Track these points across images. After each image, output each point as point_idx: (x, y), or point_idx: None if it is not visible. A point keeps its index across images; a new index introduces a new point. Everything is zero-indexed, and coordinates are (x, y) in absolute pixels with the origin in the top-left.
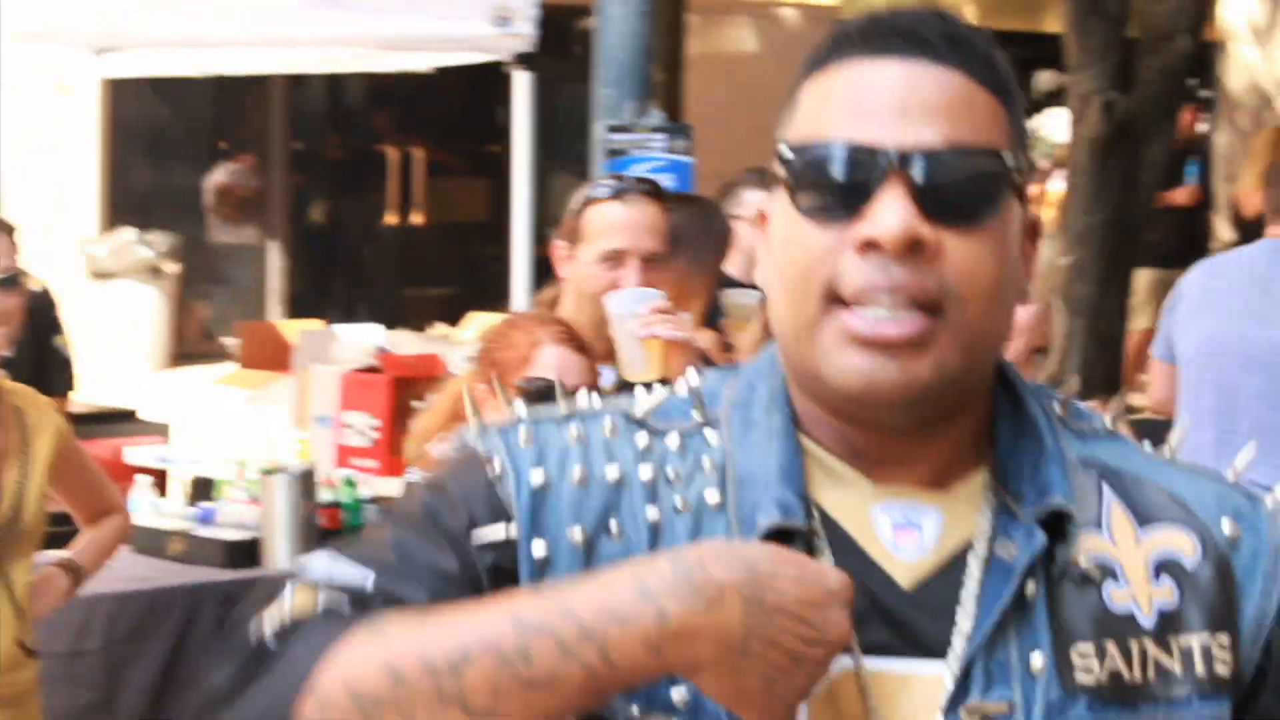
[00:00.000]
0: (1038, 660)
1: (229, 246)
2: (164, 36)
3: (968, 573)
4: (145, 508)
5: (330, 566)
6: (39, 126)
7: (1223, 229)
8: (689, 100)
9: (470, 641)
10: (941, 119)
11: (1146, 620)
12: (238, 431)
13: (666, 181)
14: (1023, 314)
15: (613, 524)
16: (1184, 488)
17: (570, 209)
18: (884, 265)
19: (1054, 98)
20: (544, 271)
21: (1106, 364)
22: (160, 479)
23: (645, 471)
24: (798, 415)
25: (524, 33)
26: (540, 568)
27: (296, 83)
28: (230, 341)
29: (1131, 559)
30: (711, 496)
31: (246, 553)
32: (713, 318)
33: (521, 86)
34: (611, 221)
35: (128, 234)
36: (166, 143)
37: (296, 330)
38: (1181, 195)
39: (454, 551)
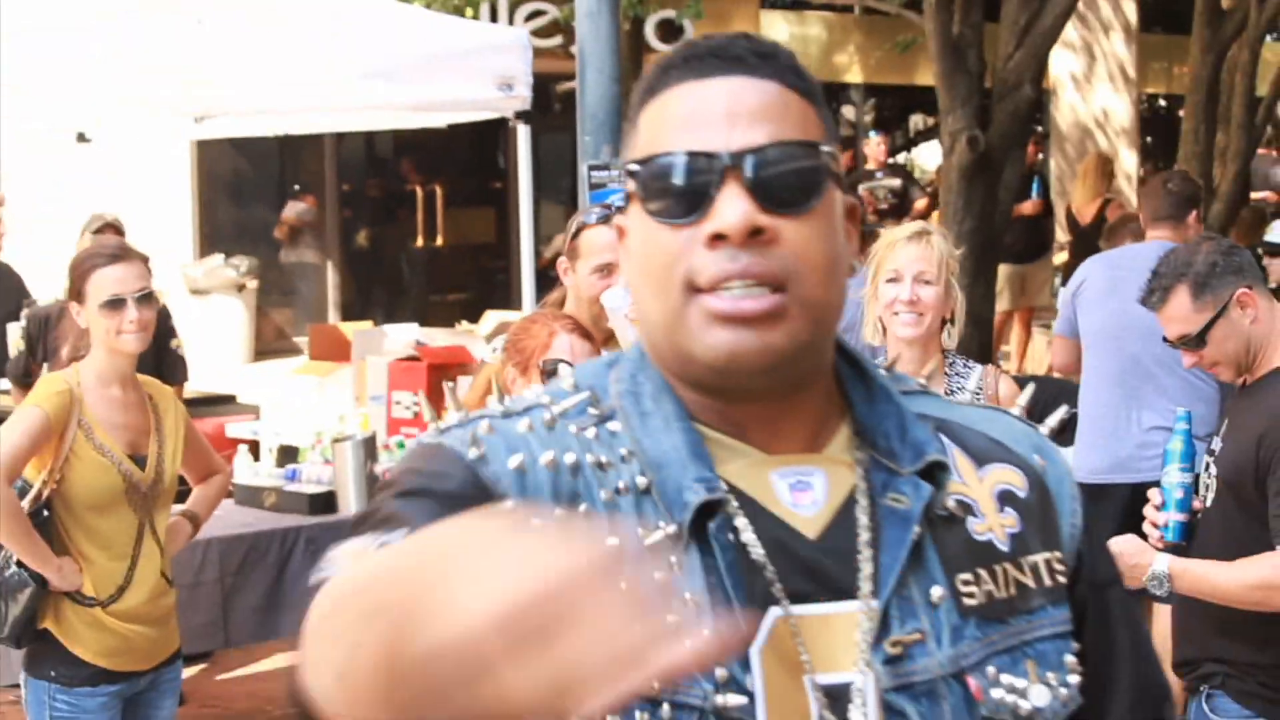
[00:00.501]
0: (937, 592)
1: (295, 266)
2: (244, 105)
3: (858, 523)
4: (244, 470)
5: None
6: (146, 176)
7: (1059, 233)
8: None
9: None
10: (763, 122)
11: (1003, 546)
12: (311, 409)
13: None
14: (930, 293)
15: (583, 505)
16: (997, 430)
17: (568, 232)
18: (732, 254)
19: (925, 135)
20: (539, 278)
21: (979, 338)
22: (254, 448)
23: (589, 458)
24: (684, 400)
25: (523, 94)
26: None
27: (342, 139)
28: (300, 340)
29: (981, 494)
30: (640, 481)
31: (325, 503)
32: None
33: (523, 137)
34: (601, 242)
35: (217, 259)
36: (243, 188)
37: (353, 330)
38: (1029, 207)
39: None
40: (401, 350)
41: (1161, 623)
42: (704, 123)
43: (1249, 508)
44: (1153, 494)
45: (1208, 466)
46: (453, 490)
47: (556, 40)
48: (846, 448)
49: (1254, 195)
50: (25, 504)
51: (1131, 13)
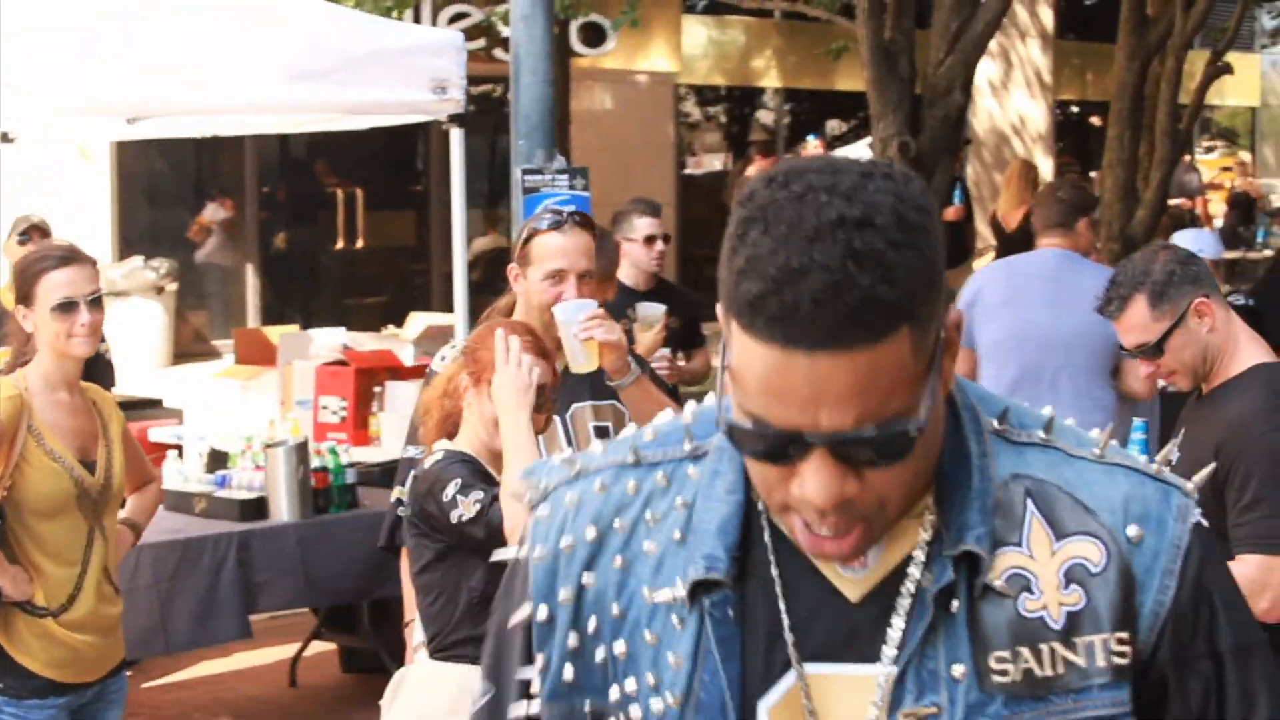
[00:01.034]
0: (959, 670)
1: (213, 268)
2: (174, 106)
3: (904, 589)
4: (174, 475)
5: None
6: (64, 178)
7: (982, 239)
8: (571, 146)
9: None
10: (851, 402)
11: (1055, 624)
12: (235, 414)
13: None
14: None
15: (588, 576)
16: (1099, 493)
17: (519, 238)
18: (820, 512)
19: (843, 139)
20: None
21: None
22: (179, 453)
23: (620, 524)
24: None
25: (456, 98)
26: (545, 626)
27: (261, 141)
28: (219, 343)
29: (1046, 570)
30: (675, 535)
31: (256, 508)
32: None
33: (456, 141)
34: (552, 247)
35: (136, 261)
36: (162, 189)
37: (278, 334)
38: (951, 213)
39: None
40: (327, 354)
41: None
42: (792, 400)
43: (1207, 518)
44: None
45: None
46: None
47: (479, 43)
48: (922, 512)
49: (1170, 202)
50: None
51: (1048, 19)
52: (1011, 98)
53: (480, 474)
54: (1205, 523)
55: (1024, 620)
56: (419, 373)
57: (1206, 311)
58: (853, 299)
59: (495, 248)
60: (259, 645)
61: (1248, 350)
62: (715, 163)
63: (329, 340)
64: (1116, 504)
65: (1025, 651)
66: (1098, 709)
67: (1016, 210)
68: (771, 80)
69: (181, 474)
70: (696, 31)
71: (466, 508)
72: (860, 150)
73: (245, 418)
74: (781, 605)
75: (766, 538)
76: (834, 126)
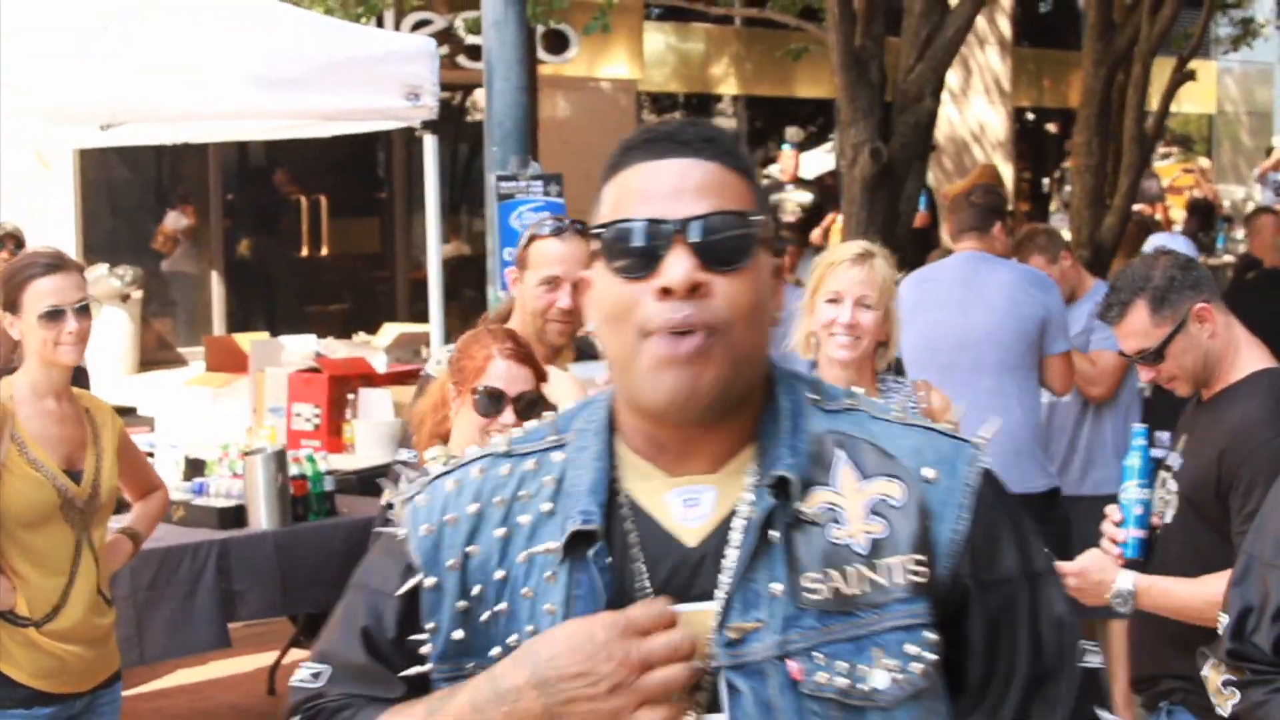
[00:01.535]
0: (777, 588)
1: (177, 276)
2: (153, 113)
3: (733, 529)
4: None
5: (303, 677)
6: (25, 185)
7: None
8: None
9: None
10: (705, 196)
11: (861, 549)
12: (207, 421)
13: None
14: (869, 317)
15: (471, 547)
16: (897, 444)
17: (519, 243)
18: (676, 305)
19: (802, 146)
20: (419, 290)
21: None
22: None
23: (498, 499)
24: (623, 428)
25: (430, 104)
26: (434, 592)
27: (224, 147)
28: (184, 350)
29: (853, 504)
30: (545, 507)
31: (235, 516)
32: None
33: (430, 147)
34: (550, 254)
35: (101, 268)
36: (125, 196)
37: (249, 341)
38: (920, 219)
39: (383, 610)
40: (300, 362)
41: (1116, 641)
42: (657, 195)
43: (1211, 523)
44: (1111, 510)
45: (1164, 482)
46: (377, 587)
47: (442, 50)
48: (744, 466)
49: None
50: None
51: (1005, 27)
52: (971, 105)
53: None
54: (994, 470)
55: (833, 546)
56: (392, 379)
57: (1207, 317)
58: (711, 134)
59: (458, 255)
60: (237, 653)
61: (1248, 355)
62: None
63: (301, 347)
64: (914, 451)
65: (834, 573)
66: (897, 619)
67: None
68: (731, 87)
69: None
70: (657, 39)
71: None
72: (822, 156)
73: (217, 425)
74: (639, 555)
75: (623, 499)
76: (794, 133)
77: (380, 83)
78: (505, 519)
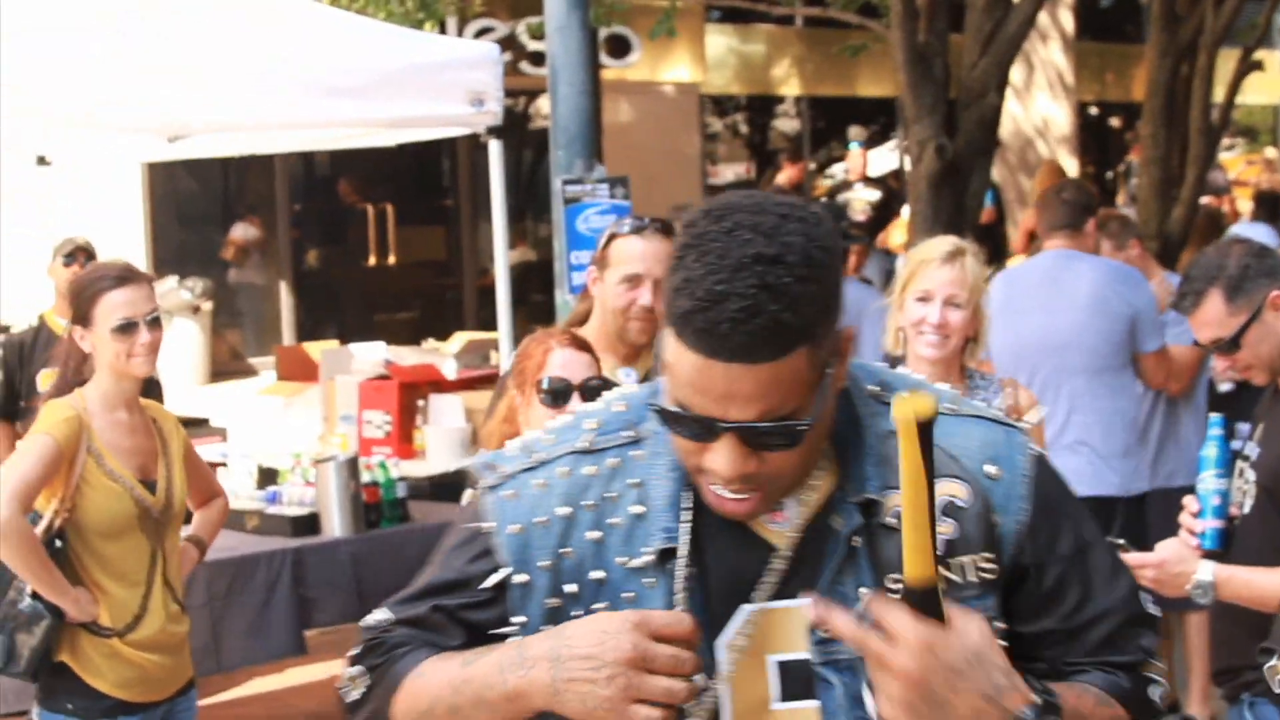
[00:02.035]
0: (864, 592)
1: (246, 287)
2: (217, 124)
3: (818, 534)
4: None
5: (381, 616)
6: (100, 199)
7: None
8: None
9: (440, 695)
10: (755, 403)
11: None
12: (278, 430)
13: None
14: (958, 316)
15: (565, 549)
16: (959, 442)
17: (599, 242)
18: (726, 480)
19: (865, 145)
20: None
21: None
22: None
23: (588, 503)
24: None
25: (494, 110)
26: (523, 589)
27: (290, 158)
28: (255, 360)
29: None
30: (636, 510)
31: (308, 524)
32: None
33: (495, 153)
34: (631, 252)
35: (170, 281)
36: (194, 209)
37: (319, 350)
38: (986, 216)
39: (463, 595)
40: (370, 369)
41: (1196, 634)
42: (710, 394)
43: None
44: (1188, 501)
45: (1242, 473)
46: (459, 570)
47: (506, 57)
48: (824, 475)
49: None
50: (37, 534)
51: (1068, 21)
52: (1035, 100)
53: None
54: (1044, 452)
55: None
56: (462, 385)
57: None
58: (762, 323)
59: (524, 261)
60: (313, 660)
61: None
62: (739, 171)
63: (371, 355)
64: (974, 449)
65: None
66: None
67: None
68: (793, 88)
69: (231, 491)
70: (719, 41)
71: None
72: (888, 155)
73: (289, 434)
74: (730, 559)
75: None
76: (857, 133)
77: (444, 90)
78: (597, 522)
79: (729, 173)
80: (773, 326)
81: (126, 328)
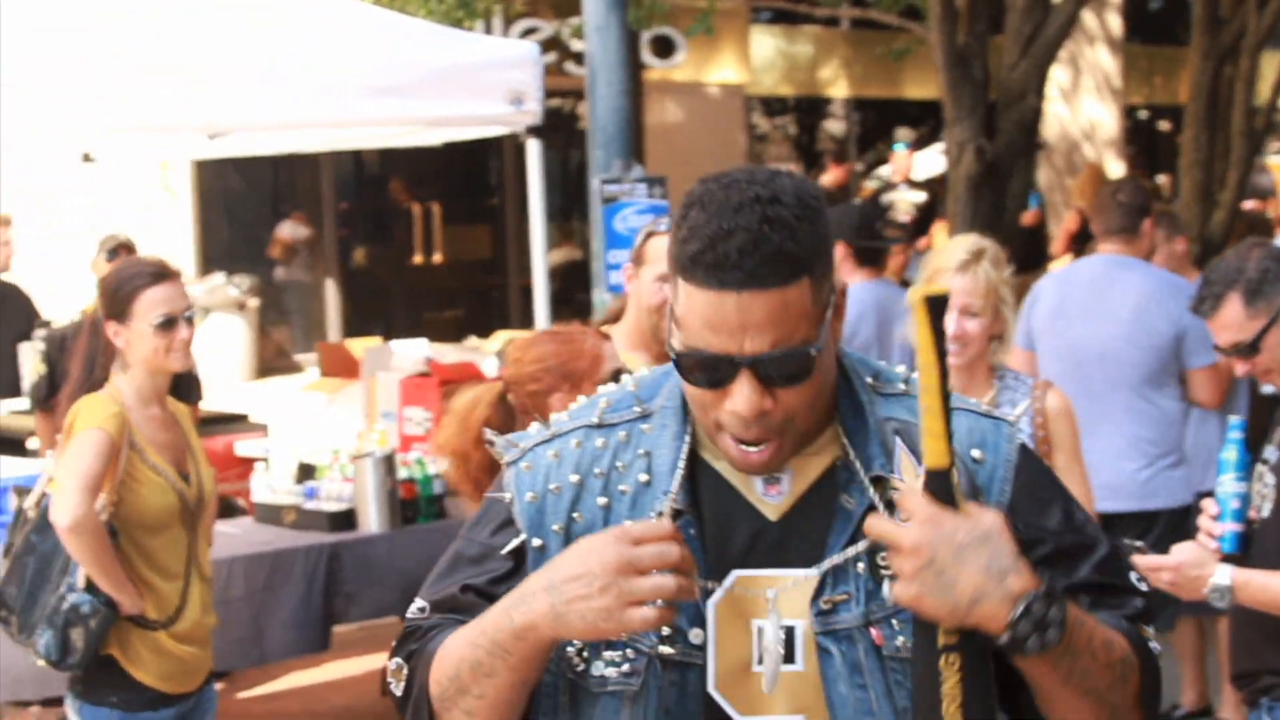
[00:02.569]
0: (861, 566)
1: (292, 284)
2: (261, 121)
3: (813, 509)
4: (262, 488)
5: (418, 604)
6: (147, 195)
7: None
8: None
9: (463, 655)
10: (767, 330)
11: None
12: (320, 426)
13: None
14: (975, 325)
15: (576, 514)
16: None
17: (636, 240)
18: (745, 422)
19: (914, 147)
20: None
21: None
22: (266, 465)
23: (598, 471)
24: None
25: (533, 109)
26: (539, 552)
27: (338, 157)
28: (300, 357)
29: (914, 488)
30: (643, 478)
31: (345, 520)
32: None
33: (534, 153)
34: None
35: (218, 278)
36: (241, 206)
37: (361, 347)
38: (1029, 218)
39: (486, 562)
40: (411, 367)
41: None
42: (724, 329)
43: None
44: (1207, 504)
45: (1261, 476)
46: (484, 542)
47: (550, 57)
48: (826, 444)
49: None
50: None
51: (1115, 24)
52: (1081, 103)
53: None
54: (1029, 444)
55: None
56: None
57: None
58: (767, 251)
59: (569, 260)
60: (349, 655)
61: None
62: None
63: (412, 352)
64: (962, 435)
65: None
66: None
67: (1091, 217)
68: (840, 89)
69: (270, 486)
70: (765, 42)
71: None
72: (935, 157)
73: (331, 430)
74: (726, 524)
75: (707, 473)
76: (903, 135)
77: (484, 89)
78: (605, 488)
79: None
80: (778, 254)
81: (168, 324)
